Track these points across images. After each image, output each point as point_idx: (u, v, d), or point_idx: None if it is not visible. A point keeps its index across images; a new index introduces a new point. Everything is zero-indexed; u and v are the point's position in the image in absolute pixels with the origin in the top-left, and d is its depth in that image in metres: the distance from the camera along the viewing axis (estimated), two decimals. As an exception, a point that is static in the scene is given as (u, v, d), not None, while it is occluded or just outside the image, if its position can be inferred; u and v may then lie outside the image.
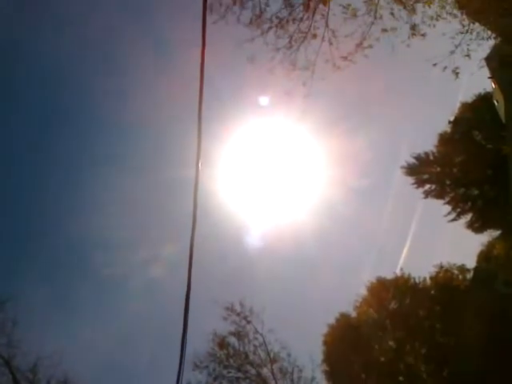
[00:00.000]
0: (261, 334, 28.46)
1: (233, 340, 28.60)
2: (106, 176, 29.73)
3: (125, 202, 29.87)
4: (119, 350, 30.95)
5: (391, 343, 30.67)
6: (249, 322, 28.57)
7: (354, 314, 32.01)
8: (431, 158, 32.52)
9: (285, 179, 23.91)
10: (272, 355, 28.13)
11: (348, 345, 30.14)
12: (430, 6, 13.09)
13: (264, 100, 17.75)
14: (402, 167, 32.61)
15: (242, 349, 28.41)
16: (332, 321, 31.52)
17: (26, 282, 28.58)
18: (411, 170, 32.73)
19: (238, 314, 28.54)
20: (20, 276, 28.64)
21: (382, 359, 29.97)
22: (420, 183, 32.88)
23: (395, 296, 31.33)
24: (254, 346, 28.42)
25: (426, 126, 32.41)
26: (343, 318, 31.71)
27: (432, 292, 31.27)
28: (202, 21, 5.54)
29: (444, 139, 31.56)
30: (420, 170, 32.64)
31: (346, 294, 31.55)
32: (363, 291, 31.96)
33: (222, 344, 28.33)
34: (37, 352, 24.23)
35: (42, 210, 31.25)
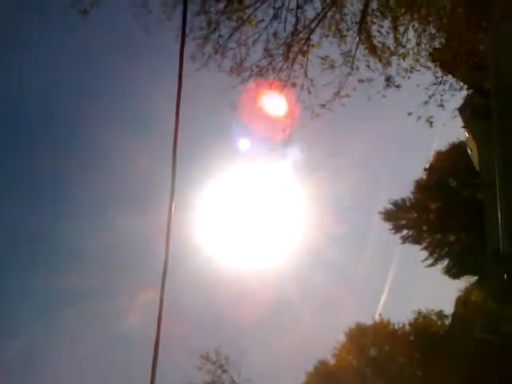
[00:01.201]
0: (237, 384, 27.80)
1: (208, 390, 27.87)
2: (78, 220, 29.09)
3: (98, 251, 29.21)
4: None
5: (371, 391, 30.18)
6: (225, 371, 27.92)
7: (332, 361, 31.54)
8: (408, 204, 33.01)
9: (264, 224, 23.90)
10: (249, 406, 27.41)
11: (327, 394, 29.55)
12: (404, 59, 13.59)
13: (244, 145, 17.95)
14: (380, 213, 33.01)
15: (218, 399, 27.66)
16: (310, 368, 30.99)
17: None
18: (389, 216, 33.11)
19: (214, 363, 27.92)
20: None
21: (363, 408, 29.39)
22: (397, 229, 33.22)
23: (374, 342, 31.06)
24: (231, 396, 27.69)
25: (404, 173, 33.03)
26: (322, 366, 31.20)
27: (411, 338, 31.10)
28: (178, 63, 5.65)
29: (420, 186, 32.16)
30: (397, 215, 33.04)
31: (325, 341, 31.15)
32: (342, 337, 31.63)
33: (198, 395, 27.55)
34: None
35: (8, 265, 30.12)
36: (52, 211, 29.41)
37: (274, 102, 13.79)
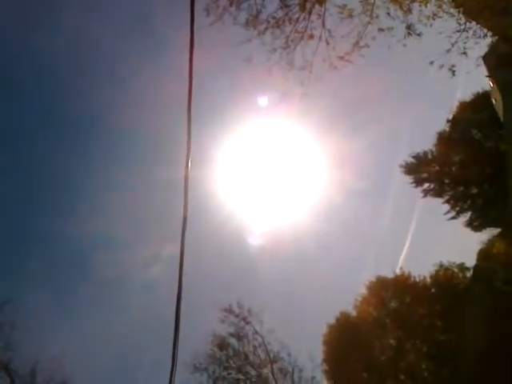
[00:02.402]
0: (260, 335, 28.48)
1: (232, 341, 28.63)
2: (104, 177, 29.75)
3: (124, 203, 29.88)
4: (119, 352, 30.96)
5: (392, 342, 30.65)
6: (248, 323, 28.57)
7: (353, 314, 32.00)
8: (430, 157, 32.53)
9: (284, 180, 23.92)
10: (272, 356, 28.17)
11: (348, 344, 30.11)
12: (426, 6, 13.08)
13: (263, 100, 17.75)
14: (401, 166, 32.66)
15: (241, 350, 28.41)
16: (332, 320, 31.51)
17: (24, 283, 28.61)
18: (410, 169, 32.75)
19: (237, 316, 28.54)
20: (18, 278, 28.67)
21: (383, 358, 29.95)
22: (419, 182, 32.90)
23: (395, 295, 31.30)
24: (254, 346, 28.43)
25: (425, 126, 32.48)
26: (343, 317, 31.69)
27: (432, 290, 31.24)
28: (190, 20, 5.55)
29: (442, 138, 31.58)
30: (419, 169, 32.66)
31: (346, 294, 31.59)
32: (363, 290, 31.96)
33: (222, 345, 28.31)
34: (35, 355, 24.21)
35: (40, 211, 31.27)
36: (83, 166, 30.23)
37: (291, 55, 13.47)
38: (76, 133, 31.18)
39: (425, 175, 32.72)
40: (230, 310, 28.41)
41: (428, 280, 31.67)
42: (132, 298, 32.31)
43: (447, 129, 31.65)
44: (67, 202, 31.91)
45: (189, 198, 5.29)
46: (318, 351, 30.33)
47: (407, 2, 13.12)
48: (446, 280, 31.08)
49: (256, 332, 28.48)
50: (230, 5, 12.77)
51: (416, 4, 13.01)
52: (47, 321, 28.92)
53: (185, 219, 5.27)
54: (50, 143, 30.55)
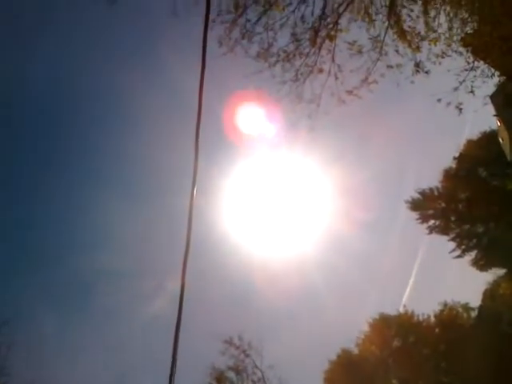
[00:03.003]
0: (260, 369, 27.97)
1: (231, 375, 28.13)
2: (110, 207, 29.76)
3: (130, 234, 29.84)
4: (116, 378, 30.47)
5: (394, 382, 30.05)
6: (247, 356, 28.14)
7: (355, 351, 31.48)
8: (436, 193, 32.48)
9: (290, 211, 23.87)
10: (271, 391, 27.60)
11: (349, 382, 29.54)
12: (435, 44, 13.25)
13: (271, 131, 17.84)
14: (407, 202, 32.58)
15: (240, 384, 27.92)
16: (333, 357, 30.99)
17: (26, 310, 28.39)
18: (416, 205, 32.66)
19: (237, 348, 28.15)
20: (21, 305, 28.43)
21: (385, 398, 29.31)
22: (424, 218, 32.75)
23: (398, 333, 30.85)
24: (253, 381, 27.91)
25: (431, 162, 32.54)
26: (345, 355, 31.17)
27: (436, 330, 30.80)
28: (201, 51, 5.63)
29: (449, 175, 31.58)
30: (425, 205, 32.56)
31: (349, 330, 31.11)
32: (366, 327, 31.51)
33: (220, 379, 27.81)
34: (31, 378, 23.87)
35: (45, 239, 31.22)
36: (88, 199, 30.29)
37: (300, 88, 13.61)
38: (81, 162, 31.38)
39: (430, 212, 32.61)
40: (230, 342, 28.07)
41: (432, 319, 31.26)
42: (133, 329, 31.94)
43: (454, 166, 31.70)
44: (71, 231, 31.92)
45: (193, 228, 5.28)
46: (319, 388, 29.72)
47: (416, 40, 13.31)
48: (451, 320, 30.66)
49: (256, 366, 28.02)
50: (242, 37, 12.98)
51: (425, 42, 13.19)
52: (46, 346, 28.59)
53: (187, 249, 5.24)
54: (56, 172, 30.75)
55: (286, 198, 23.02)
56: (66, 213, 31.57)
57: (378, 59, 13.29)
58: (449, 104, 13.37)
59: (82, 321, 31.25)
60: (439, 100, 13.41)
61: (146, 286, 30.48)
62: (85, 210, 31.87)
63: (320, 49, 13.33)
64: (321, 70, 13.41)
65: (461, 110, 13.35)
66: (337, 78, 13.28)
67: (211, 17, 11.81)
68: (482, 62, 13.91)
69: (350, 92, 13.40)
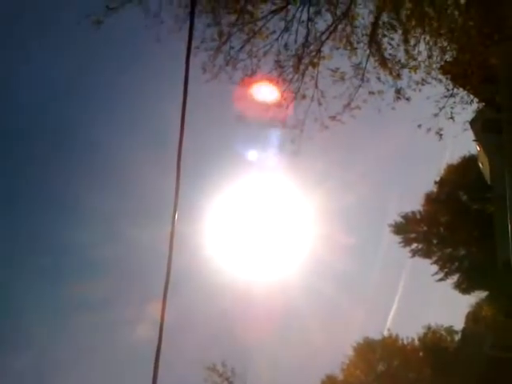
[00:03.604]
0: (244, 397, 27.59)
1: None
2: (87, 234, 29.18)
3: (109, 261, 29.31)
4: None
5: (380, 407, 29.86)
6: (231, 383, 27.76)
7: (340, 376, 31.24)
8: (418, 217, 32.82)
9: (272, 235, 23.82)
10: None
11: (335, 408, 29.25)
12: (415, 72, 13.56)
13: (253, 156, 17.97)
14: (390, 225, 32.84)
15: (223, 412, 27.43)
16: (318, 383, 30.71)
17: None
18: (399, 229, 32.93)
19: (220, 375, 27.77)
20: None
21: (371, 425, 29.04)
22: (407, 242, 33.01)
23: (383, 358, 30.78)
24: (237, 408, 27.47)
25: (414, 186, 32.91)
26: (330, 381, 30.92)
27: (420, 354, 30.79)
28: (184, 77, 5.68)
29: (430, 199, 32.00)
30: (407, 228, 32.85)
31: (333, 354, 30.87)
32: (350, 352, 31.35)
33: (204, 407, 27.36)
34: None
35: (16, 273, 30.30)
36: (61, 222, 29.67)
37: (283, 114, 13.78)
38: (55, 190, 30.75)
39: (413, 235, 32.90)
40: (213, 369, 27.69)
41: (416, 343, 31.28)
42: (114, 360, 31.15)
43: (434, 190, 32.15)
44: (45, 262, 31.13)
45: (174, 254, 5.24)
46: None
47: (397, 68, 13.63)
48: (435, 343, 30.73)
49: (239, 394, 27.61)
50: (226, 64, 13.16)
51: (405, 70, 13.51)
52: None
53: (168, 275, 5.19)
54: (27, 204, 30.11)
55: (269, 222, 23.00)
56: (39, 244, 30.84)
57: (360, 86, 13.58)
58: (429, 130, 13.66)
59: (61, 356, 30.34)
60: (420, 126, 13.69)
61: (127, 313, 29.88)
62: (63, 236, 31.24)
63: (303, 75, 13.56)
64: (304, 96, 13.62)
65: (441, 135, 13.65)
66: (320, 104, 13.52)
67: (195, 43, 11.98)
68: (461, 89, 14.28)
69: (332, 117, 13.63)
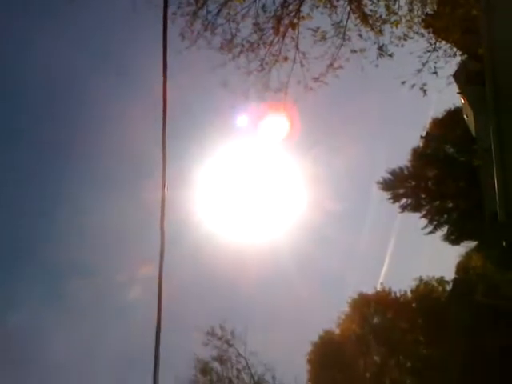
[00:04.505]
0: (244, 357, 28.23)
1: (215, 365, 28.27)
2: (78, 199, 29.26)
3: (100, 225, 29.40)
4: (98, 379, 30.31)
5: (376, 358, 30.73)
6: (231, 346, 28.31)
7: (337, 331, 32.00)
8: (406, 172, 33.04)
9: (262, 201, 23.91)
10: (256, 378, 27.89)
11: (332, 362, 30.07)
12: (396, 27, 13.38)
13: (240, 121, 17.81)
14: (378, 183, 33.08)
15: (225, 374, 28.08)
16: (316, 339, 31.44)
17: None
18: (387, 186, 33.18)
19: (220, 338, 28.26)
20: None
21: (368, 375, 29.97)
22: (396, 198, 33.33)
23: (377, 311, 31.48)
24: (238, 369, 28.17)
25: (401, 143, 33.02)
26: (327, 336, 31.67)
27: (413, 305, 31.50)
28: (162, 43, 5.61)
29: (417, 154, 32.13)
30: (395, 184, 33.10)
31: (329, 312, 31.57)
32: (345, 308, 32.03)
33: (205, 370, 27.93)
34: None
35: (12, 235, 30.46)
36: (55, 190, 29.77)
37: (266, 78, 13.60)
38: (48, 155, 30.62)
39: (402, 191, 33.17)
40: (212, 333, 28.16)
41: (409, 295, 31.95)
42: (109, 323, 31.63)
43: (421, 145, 32.25)
44: (41, 226, 31.24)
45: (165, 219, 5.28)
46: (303, 371, 30.18)
47: (378, 24, 13.42)
48: (427, 294, 31.39)
49: (239, 354, 28.25)
50: (205, 29, 12.89)
51: (387, 26, 13.32)
52: (22, 352, 28.15)
53: (162, 242, 5.24)
54: (22, 167, 29.94)
55: (257, 187, 23.05)
56: (37, 205, 30.88)
57: (342, 44, 13.39)
58: (413, 86, 13.60)
59: (57, 316, 30.74)
60: (403, 82, 13.62)
61: (119, 277, 30.20)
62: (56, 202, 31.21)
63: (284, 37, 13.34)
64: (286, 59, 13.44)
65: (425, 91, 13.59)
66: (302, 66, 13.35)
67: (171, 10, 11.69)
68: (443, 43, 14.13)
69: (316, 79, 13.48)
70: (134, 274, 29.05)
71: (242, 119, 17.07)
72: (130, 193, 26.57)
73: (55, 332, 30.75)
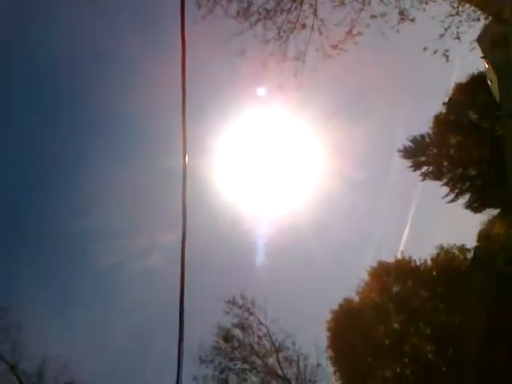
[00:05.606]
0: (264, 325, 28.61)
1: (237, 332, 28.76)
2: (102, 166, 29.69)
3: (122, 192, 29.86)
4: (123, 345, 31.12)
5: (395, 325, 30.80)
6: (251, 314, 28.67)
7: (356, 299, 32.11)
8: (427, 140, 32.50)
9: (282, 170, 23.89)
10: (277, 345, 28.33)
11: (352, 329, 30.26)
12: (419, -11, 12.96)
13: (260, 91, 17.67)
14: (399, 150, 32.63)
15: (246, 340, 28.56)
16: (335, 307, 31.64)
17: (26, 282, 28.62)
18: (408, 153, 32.73)
19: (240, 307, 28.61)
20: (20, 277, 28.66)
21: (387, 342, 30.11)
22: (417, 166, 32.89)
23: (397, 279, 31.40)
24: (259, 336, 28.58)
25: (422, 110, 32.41)
26: (346, 303, 31.81)
27: (434, 273, 31.32)
28: (180, 13, 5.53)
29: (439, 121, 31.50)
30: (417, 152, 32.63)
31: (349, 280, 31.69)
32: (365, 276, 32.05)
33: (227, 337, 28.44)
34: (42, 355, 24.31)
35: (38, 205, 31.18)
36: (78, 156, 30.37)
37: (284, 46, 13.36)
38: (70, 125, 31.01)
39: (423, 158, 32.71)
40: (233, 302, 28.52)
41: (429, 263, 31.74)
42: (133, 288, 32.34)
43: (443, 111, 31.57)
44: (64, 194, 31.84)
45: (187, 187, 5.29)
46: (323, 338, 30.50)
47: (400, -14, 13.02)
48: (447, 262, 31.15)
49: (260, 322, 28.61)
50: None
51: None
52: (52, 318, 29.02)
53: (184, 210, 5.27)
54: (44, 137, 30.40)
55: (278, 157, 23.00)
56: (56, 174, 31.48)
57: (362, 9, 13.09)
58: (435, 52, 13.25)
59: (82, 285, 31.57)
60: (425, 48, 13.28)
61: (142, 242, 30.72)
62: (76, 170, 31.76)
63: (301, 3, 13.07)
64: (303, 26, 13.19)
65: (447, 57, 13.24)
66: (321, 33, 13.11)
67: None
68: (467, 6, 13.68)
69: (334, 46, 13.23)
70: (156, 239, 29.54)
71: (260, 88, 16.92)
72: (151, 160, 26.79)
73: (82, 299, 31.59)
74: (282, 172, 24.01)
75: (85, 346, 28.04)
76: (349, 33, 13.15)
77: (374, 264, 31.95)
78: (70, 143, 30.94)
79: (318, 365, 28.57)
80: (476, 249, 30.22)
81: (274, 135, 21.02)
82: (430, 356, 29.36)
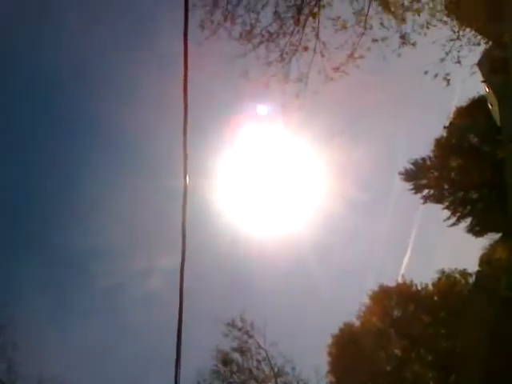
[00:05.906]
0: (263, 349, 28.24)
1: (236, 356, 28.39)
2: (103, 186, 29.66)
3: (123, 213, 29.80)
4: (121, 367, 30.73)
5: (396, 351, 30.44)
6: (251, 337, 28.35)
7: (357, 324, 31.80)
8: (428, 163, 32.54)
9: (283, 191, 23.83)
10: (276, 369, 27.90)
11: (353, 354, 29.90)
12: (419, 14, 13.11)
13: (262, 111, 17.76)
14: (400, 173, 32.64)
15: (245, 365, 28.17)
16: (336, 331, 31.31)
17: (23, 301, 28.38)
18: (409, 176, 32.73)
19: (240, 329, 28.31)
20: (17, 295, 28.44)
21: (388, 368, 29.72)
22: (418, 188, 32.85)
23: (398, 304, 31.15)
24: (258, 360, 28.19)
25: (423, 133, 32.52)
26: (347, 328, 31.50)
27: (435, 298, 31.10)
28: (183, 33, 5.55)
29: (440, 144, 31.60)
30: (418, 175, 32.64)
31: (350, 304, 31.40)
32: (366, 300, 31.79)
33: (226, 360, 28.08)
34: (38, 375, 23.96)
35: (39, 221, 31.10)
36: (80, 176, 30.38)
37: (286, 68, 13.47)
38: (72, 143, 31.12)
39: (424, 181, 32.69)
40: (232, 325, 28.24)
41: (430, 287, 31.53)
42: (131, 310, 32.01)
43: (444, 134, 31.70)
44: (65, 212, 31.79)
45: (187, 207, 5.24)
46: (323, 363, 30.10)
47: (400, 12, 13.16)
48: (449, 287, 30.93)
49: (259, 346, 28.28)
50: (225, 20, 12.82)
51: (409, 13, 13.05)
52: (48, 337, 28.68)
53: (184, 230, 5.21)
54: (48, 154, 30.49)
55: (280, 176, 22.96)
56: (58, 194, 31.47)
57: (363, 33, 13.20)
58: (436, 75, 13.33)
59: (80, 305, 31.26)
60: (426, 72, 13.37)
61: (141, 264, 30.54)
62: (77, 190, 31.75)
63: (304, 27, 13.19)
64: (306, 49, 13.30)
65: (448, 81, 13.32)
66: (323, 56, 13.20)
67: (192, 1, 11.63)
68: (467, 30, 13.83)
69: (336, 69, 13.31)
70: (156, 261, 29.38)
71: (262, 109, 17.00)
72: (152, 181, 26.82)
73: (79, 319, 31.27)
74: (284, 193, 23.94)
75: (81, 367, 27.67)
76: (350, 56, 13.25)
77: (375, 288, 31.74)
78: (70, 163, 31.01)
79: (318, 391, 28.07)
80: (478, 273, 30.03)
81: (276, 156, 21.02)
82: (431, 383, 28.95)
